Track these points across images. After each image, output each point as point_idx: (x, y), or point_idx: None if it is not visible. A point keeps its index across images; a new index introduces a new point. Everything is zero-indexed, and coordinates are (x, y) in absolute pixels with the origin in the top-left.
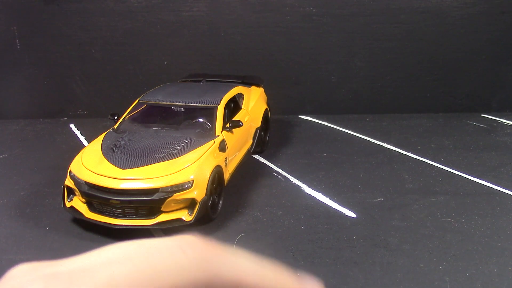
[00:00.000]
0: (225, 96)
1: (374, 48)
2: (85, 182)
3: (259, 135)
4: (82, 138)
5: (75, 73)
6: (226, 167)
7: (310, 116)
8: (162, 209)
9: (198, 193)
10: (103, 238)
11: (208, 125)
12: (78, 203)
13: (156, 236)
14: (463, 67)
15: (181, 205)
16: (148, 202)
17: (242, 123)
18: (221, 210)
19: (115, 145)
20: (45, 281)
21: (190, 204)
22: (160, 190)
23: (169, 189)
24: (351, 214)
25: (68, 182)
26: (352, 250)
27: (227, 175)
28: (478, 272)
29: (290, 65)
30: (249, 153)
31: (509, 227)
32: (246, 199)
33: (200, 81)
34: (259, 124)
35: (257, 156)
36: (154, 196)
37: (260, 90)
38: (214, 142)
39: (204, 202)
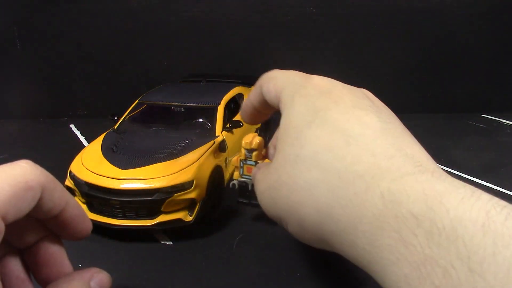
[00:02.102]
0: (225, 96)
1: (374, 48)
2: (85, 182)
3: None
4: (82, 138)
5: (75, 73)
6: (226, 167)
7: None
8: (162, 209)
9: (198, 193)
10: (103, 238)
11: (208, 125)
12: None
13: (156, 236)
14: (463, 67)
15: (181, 205)
16: (148, 202)
17: (242, 123)
18: (221, 210)
19: (115, 145)
20: None
21: (190, 204)
22: (160, 190)
23: (169, 190)
24: None
25: (68, 182)
26: None
27: (227, 175)
28: None
29: (290, 65)
30: None
31: None
32: None
33: (200, 81)
34: (259, 125)
35: None
36: (154, 196)
37: None
38: (214, 142)
39: (204, 202)
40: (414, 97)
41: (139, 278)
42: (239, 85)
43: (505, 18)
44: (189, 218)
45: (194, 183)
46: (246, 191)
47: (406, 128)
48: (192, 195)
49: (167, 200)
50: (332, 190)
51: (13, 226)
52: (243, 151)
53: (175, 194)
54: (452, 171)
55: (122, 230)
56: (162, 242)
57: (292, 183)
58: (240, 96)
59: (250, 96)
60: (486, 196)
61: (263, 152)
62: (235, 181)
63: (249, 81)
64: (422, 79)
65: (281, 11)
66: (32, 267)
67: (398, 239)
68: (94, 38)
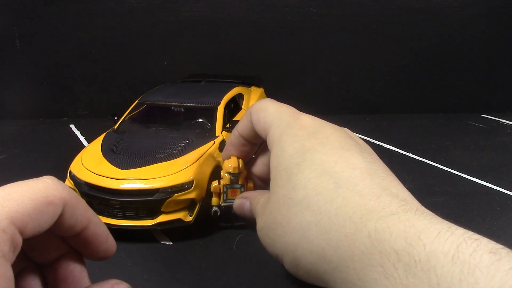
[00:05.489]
0: (225, 96)
1: (374, 48)
2: (85, 182)
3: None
4: (82, 139)
5: (75, 73)
6: None
7: None
8: (162, 209)
9: (198, 193)
10: None
11: (208, 126)
12: None
13: (156, 236)
14: (463, 67)
15: (181, 206)
16: (148, 202)
17: None
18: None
19: (115, 145)
20: None
21: (190, 205)
22: (160, 190)
23: (169, 190)
24: None
25: (68, 182)
26: None
27: None
28: None
29: (290, 65)
30: None
31: (509, 227)
32: None
33: (200, 81)
34: None
35: None
36: (154, 196)
37: (260, 91)
38: (214, 143)
39: (204, 202)
40: (414, 97)
41: (139, 278)
42: (239, 85)
43: (505, 19)
44: (189, 218)
45: (194, 183)
46: (229, 214)
47: (387, 167)
48: (192, 195)
49: (167, 200)
50: (323, 232)
51: (33, 241)
52: (227, 176)
53: (175, 194)
54: (452, 171)
55: (122, 230)
56: (162, 242)
57: (286, 224)
58: (240, 96)
59: (238, 127)
60: (460, 231)
61: (245, 174)
62: (216, 208)
63: (249, 81)
64: (422, 79)
65: (281, 11)
66: (51, 283)
67: (382, 273)
68: (94, 38)
